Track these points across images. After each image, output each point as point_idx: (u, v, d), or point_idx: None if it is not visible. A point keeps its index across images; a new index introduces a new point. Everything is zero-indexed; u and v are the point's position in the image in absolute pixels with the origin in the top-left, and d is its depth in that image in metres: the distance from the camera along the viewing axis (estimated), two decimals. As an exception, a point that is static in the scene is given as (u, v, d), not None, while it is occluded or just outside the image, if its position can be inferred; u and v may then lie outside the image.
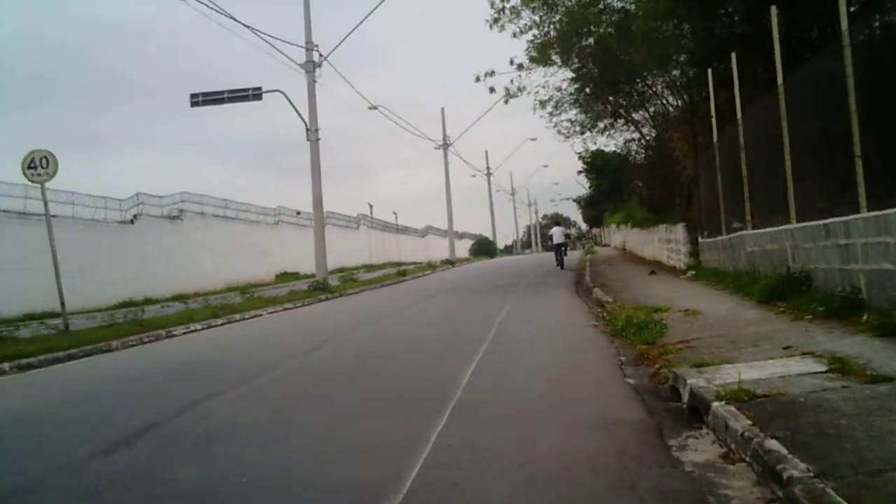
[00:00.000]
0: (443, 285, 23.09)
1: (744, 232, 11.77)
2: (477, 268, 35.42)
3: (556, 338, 8.73)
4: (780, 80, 9.26)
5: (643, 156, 25.35)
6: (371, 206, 67.56)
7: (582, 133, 28.04)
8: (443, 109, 49.94)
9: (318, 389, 6.77)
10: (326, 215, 57.07)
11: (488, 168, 59.61)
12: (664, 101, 22.15)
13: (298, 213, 47.11)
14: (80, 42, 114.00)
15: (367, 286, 25.64)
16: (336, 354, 9.05)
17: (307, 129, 22.94)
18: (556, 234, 26.79)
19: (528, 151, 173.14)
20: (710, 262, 14.64)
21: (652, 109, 23.66)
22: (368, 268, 51.11)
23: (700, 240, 15.57)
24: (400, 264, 57.10)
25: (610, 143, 28.70)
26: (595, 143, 29.69)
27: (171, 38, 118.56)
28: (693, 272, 14.66)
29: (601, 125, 27.75)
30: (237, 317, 15.81)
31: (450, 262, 40.75)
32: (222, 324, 14.82)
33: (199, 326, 14.18)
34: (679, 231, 17.10)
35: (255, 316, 16.60)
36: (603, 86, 22.76)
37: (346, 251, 54.81)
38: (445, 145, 42.68)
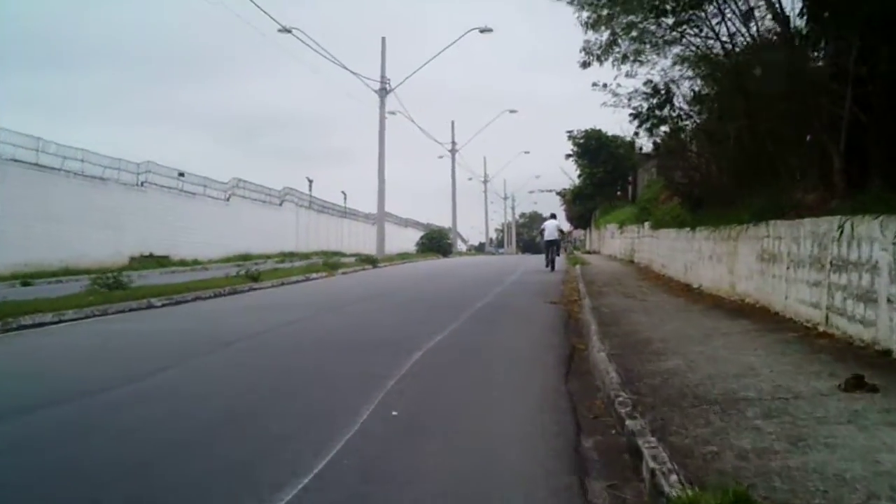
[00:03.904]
0: (285, 317, 10.86)
1: None
2: (409, 273, 22.80)
3: None
4: None
5: (711, 78, 12.90)
6: (311, 182, 54.98)
7: (586, 64, 15.97)
8: (383, 39, 32.69)
9: None
10: (234, 182, 42.98)
11: (453, 142, 47.13)
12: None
13: (182, 174, 34.20)
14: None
15: (115, 304, 12.29)
16: None
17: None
18: (549, 228, 22.53)
19: (505, 142, 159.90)
20: None
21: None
22: (286, 256, 39.18)
23: None
24: (336, 253, 44.51)
25: (640, 72, 16.05)
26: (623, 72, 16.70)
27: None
28: None
29: (620, 49, 15.71)
30: None
31: (369, 261, 27.27)
32: None
33: None
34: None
35: None
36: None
37: (262, 233, 41.55)
38: (384, 89, 29.80)
